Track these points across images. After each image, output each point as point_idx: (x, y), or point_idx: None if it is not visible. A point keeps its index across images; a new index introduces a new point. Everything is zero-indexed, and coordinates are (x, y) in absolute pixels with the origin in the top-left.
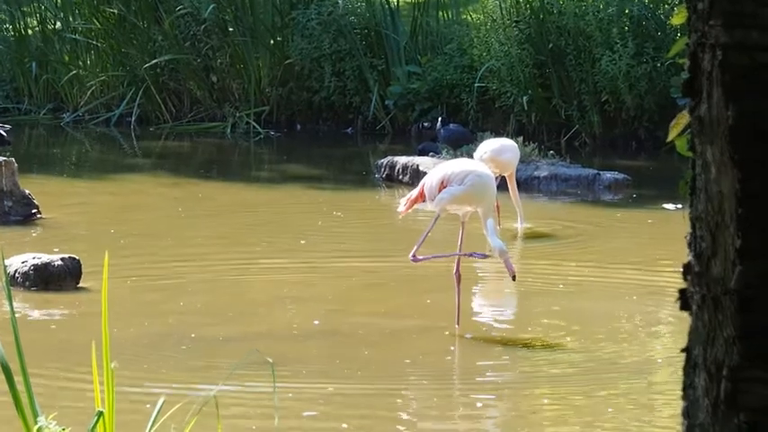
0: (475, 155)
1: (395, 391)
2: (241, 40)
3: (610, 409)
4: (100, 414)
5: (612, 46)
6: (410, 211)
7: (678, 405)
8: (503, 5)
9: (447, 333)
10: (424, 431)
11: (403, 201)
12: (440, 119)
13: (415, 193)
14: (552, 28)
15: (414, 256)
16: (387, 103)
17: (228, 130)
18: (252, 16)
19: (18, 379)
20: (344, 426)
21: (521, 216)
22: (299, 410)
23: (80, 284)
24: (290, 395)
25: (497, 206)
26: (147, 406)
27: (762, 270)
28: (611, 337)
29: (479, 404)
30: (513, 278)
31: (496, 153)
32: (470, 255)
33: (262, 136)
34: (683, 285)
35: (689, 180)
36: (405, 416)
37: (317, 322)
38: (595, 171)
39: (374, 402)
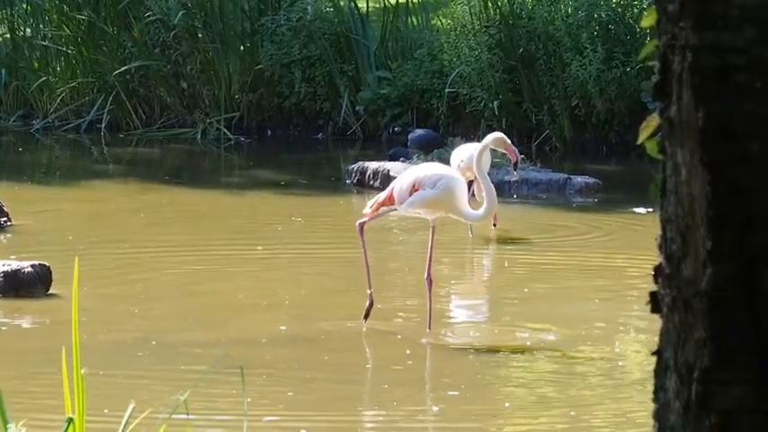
0: (452, 160)
1: (356, 396)
2: (211, 46)
3: (572, 413)
4: (70, 421)
5: (582, 51)
6: (376, 214)
7: (649, 407)
8: (472, 11)
9: (413, 338)
10: None
11: (370, 203)
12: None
13: (383, 195)
14: (522, 33)
15: (360, 224)
16: (357, 108)
17: (199, 137)
18: (221, 22)
19: None
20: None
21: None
22: (260, 415)
23: (50, 291)
24: (249, 399)
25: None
26: (117, 412)
27: (732, 272)
28: (581, 341)
29: (436, 408)
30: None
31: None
32: None
33: (232, 142)
34: (654, 288)
35: (659, 182)
36: (364, 420)
37: (283, 328)
38: (566, 175)
39: (335, 407)
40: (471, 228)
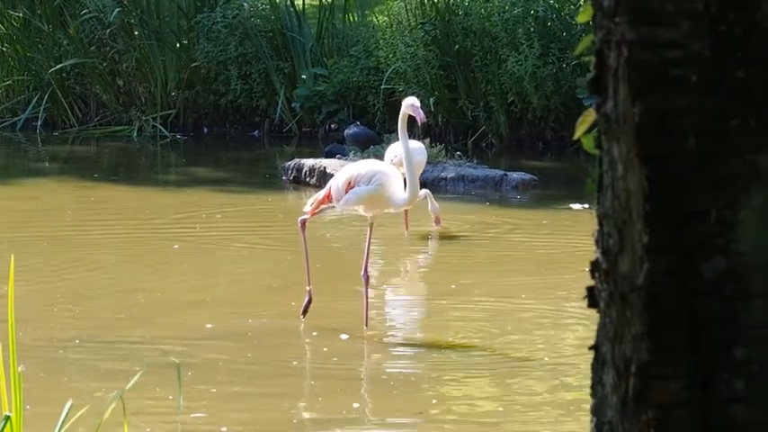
0: (386, 157)
1: (281, 393)
2: (147, 43)
3: (500, 409)
4: (7, 418)
5: (518, 47)
6: (317, 212)
7: (586, 403)
8: (408, 7)
9: (348, 335)
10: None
11: (310, 202)
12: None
13: (322, 194)
14: (458, 29)
15: (302, 221)
16: (293, 105)
17: (135, 134)
18: (157, 19)
19: None
20: (224, 429)
21: (432, 202)
22: (187, 412)
23: None
24: (170, 397)
25: (406, 210)
26: (55, 409)
27: (669, 266)
28: (516, 336)
29: (358, 405)
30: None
31: None
32: None
33: (168, 139)
34: (591, 283)
35: (596, 177)
36: (288, 417)
37: (210, 325)
38: (502, 171)
39: (260, 404)
40: (407, 224)
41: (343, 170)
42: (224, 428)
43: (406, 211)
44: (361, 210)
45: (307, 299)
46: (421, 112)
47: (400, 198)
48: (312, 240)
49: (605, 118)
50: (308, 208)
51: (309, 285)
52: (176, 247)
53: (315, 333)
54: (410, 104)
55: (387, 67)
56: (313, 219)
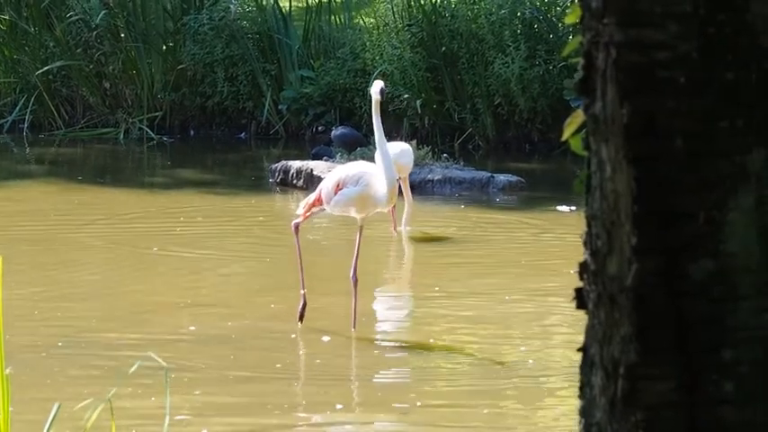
0: (377, 159)
1: (264, 396)
2: (133, 45)
3: (485, 411)
4: None
5: (505, 49)
6: (308, 215)
7: (574, 406)
8: (395, 9)
9: (336, 337)
10: None
11: (301, 205)
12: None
13: (312, 197)
14: (445, 31)
15: (296, 224)
16: (280, 107)
17: (121, 136)
18: (144, 22)
19: None
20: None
21: (406, 218)
22: (171, 414)
23: None
24: (153, 399)
25: (392, 210)
26: (43, 412)
27: (657, 267)
28: (502, 338)
29: (340, 406)
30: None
31: (398, 157)
32: None
33: (155, 142)
34: (579, 284)
35: (584, 179)
36: (266, 419)
37: (192, 328)
38: (489, 174)
39: (242, 407)
40: (395, 224)
41: (332, 173)
42: (205, 431)
43: (392, 210)
44: (351, 211)
45: (302, 303)
46: (378, 86)
47: (382, 195)
48: (304, 242)
49: (593, 119)
50: (300, 211)
51: (303, 289)
52: (155, 249)
53: (299, 335)
54: (375, 90)
55: (373, 69)
56: (305, 222)
